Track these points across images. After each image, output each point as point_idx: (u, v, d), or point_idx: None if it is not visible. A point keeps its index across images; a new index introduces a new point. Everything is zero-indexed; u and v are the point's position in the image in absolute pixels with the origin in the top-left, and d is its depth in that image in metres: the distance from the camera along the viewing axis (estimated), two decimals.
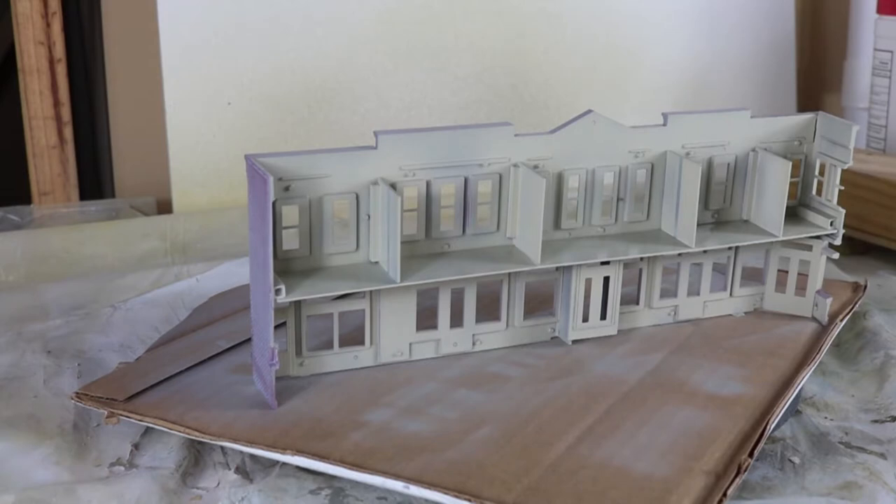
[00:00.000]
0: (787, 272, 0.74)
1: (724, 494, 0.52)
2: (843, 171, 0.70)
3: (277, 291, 0.58)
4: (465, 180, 0.65)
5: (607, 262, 0.68)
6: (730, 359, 0.68)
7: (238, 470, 0.57)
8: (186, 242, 0.97)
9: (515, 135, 0.65)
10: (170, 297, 0.82)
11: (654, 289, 0.72)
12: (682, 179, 0.69)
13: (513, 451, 0.56)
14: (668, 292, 0.73)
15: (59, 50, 1.07)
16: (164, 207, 1.09)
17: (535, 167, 0.66)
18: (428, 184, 0.64)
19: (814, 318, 0.74)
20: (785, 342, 0.71)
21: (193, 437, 0.57)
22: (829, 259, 0.74)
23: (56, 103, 1.08)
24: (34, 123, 1.07)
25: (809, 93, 1.37)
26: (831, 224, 0.71)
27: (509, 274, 0.67)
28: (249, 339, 0.66)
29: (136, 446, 0.60)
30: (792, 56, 1.33)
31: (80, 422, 0.62)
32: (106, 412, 0.59)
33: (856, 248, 0.95)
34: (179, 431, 0.57)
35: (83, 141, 1.11)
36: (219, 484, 0.56)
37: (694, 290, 0.73)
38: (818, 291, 0.73)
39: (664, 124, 0.70)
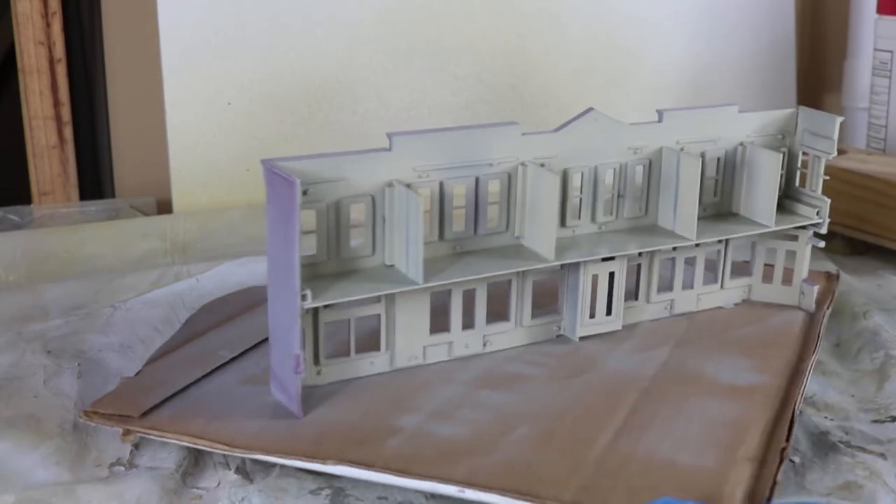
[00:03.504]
0: (771, 263, 0.76)
1: (775, 481, 0.53)
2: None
3: (304, 297, 0.57)
4: (477, 180, 0.65)
5: (612, 258, 0.69)
6: (733, 350, 0.69)
7: (238, 470, 0.57)
8: (186, 242, 0.97)
9: (523, 134, 0.65)
10: (170, 297, 0.82)
11: (653, 284, 0.73)
12: (681, 174, 0.70)
13: (555, 450, 0.56)
14: (664, 287, 0.74)
15: (59, 50, 1.07)
16: (164, 207, 1.09)
17: (541, 165, 0.66)
18: (441, 184, 0.64)
19: (800, 307, 0.76)
20: (781, 331, 0.73)
21: (220, 452, 0.56)
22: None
23: (56, 103, 1.08)
24: (34, 123, 1.07)
25: (809, 93, 1.37)
26: (817, 213, 0.74)
27: (517, 273, 0.67)
28: (252, 348, 0.66)
29: (136, 446, 0.59)
30: (792, 56, 1.33)
31: (80, 422, 0.62)
32: (121, 430, 0.57)
33: (856, 248, 0.95)
34: (205, 446, 0.56)
35: (83, 141, 1.11)
36: (219, 484, 0.56)
37: (688, 284, 0.75)
38: (804, 280, 0.76)
39: (659, 121, 0.71)
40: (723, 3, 1.28)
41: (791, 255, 0.76)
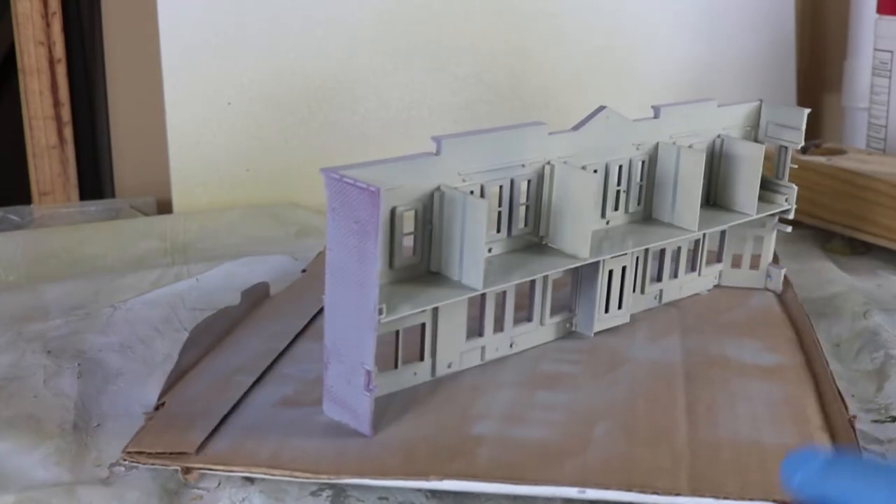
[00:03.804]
0: (738, 250, 0.82)
1: (859, 448, 0.56)
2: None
3: (380, 311, 0.55)
4: (511, 181, 0.65)
5: (624, 253, 0.70)
6: (736, 332, 0.72)
7: None
8: (186, 242, 0.97)
9: (549, 133, 0.66)
10: (170, 297, 0.82)
11: (647, 275, 0.75)
12: (683, 168, 0.72)
13: (644, 442, 0.56)
14: (652, 277, 0.77)
15: (59, 50, 1.07)
16: (164, 207, 1.09)
17: (565, 164, 0.66)
18: (482, 187, 0.63)
19: (767, 289, 0.81)
20: (765, 312, 0.77)
21: (304, 480, 0.54)
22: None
23: (56, 103, 1.08)
24: (34, 123, 1.07)
25: (809, 93, 1.37)
26: (786, 200, 0.79)
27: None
28: (268, 369, 0.65)
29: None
30: (792, 56, 1.33)
31: (80, 422, 0.62)
32: (180, 468, 0.55)
33: (856, 248, 0.95)
34: (284, 476, 0.54)
35: (83, 141, 1.11)
36: (219, 484, 0.56)
37: (672, 274, 0.77)
38: (771, 264, 0.81)
39: (656, 117, 0.73)
40: (723, 3, 1.28)
41: (758, 240, 0.81)
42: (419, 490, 0.54)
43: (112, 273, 0.88)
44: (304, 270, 0.85)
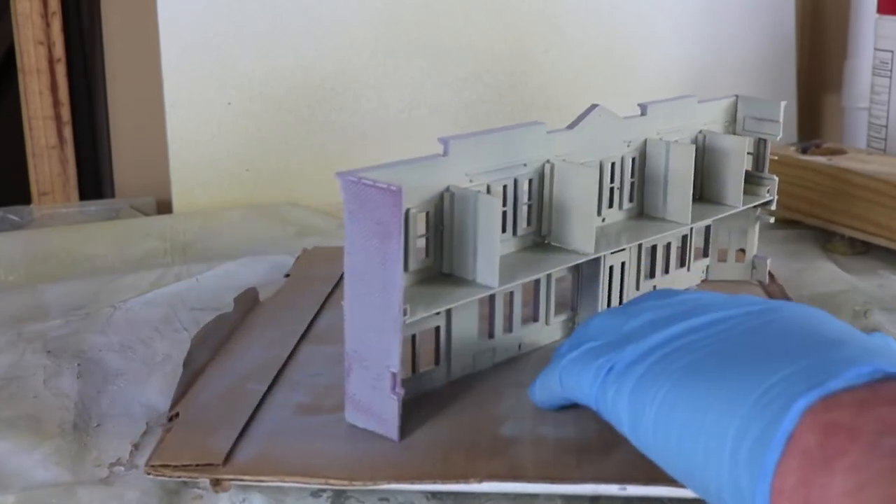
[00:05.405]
0: (723, 243, 0.83)
1: None
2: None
3: (405, 311, 0.54)
4: (515, 181, 0.65)
5: (622, 248, 0.71)
6: None
7: None
8: (186, 242, 0.97)
9: (547, 132, 0.66)
10: (170, 297, 0.82)
11: (642, 271, 0.75)
12: (673, 163, 0.73)
13: None
14: (645, 273, 0.77)
15: (59, 50, 1.07)
16: (164, 207, 1.09)
17: (564, 162, 0.66)
18: (488, 187, 0.63)
19: (751, 281, 0.83)
20: None
21: (340, 488, 0.53)
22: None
23: (56, 103, 1.08)
24: (34, 123, 1.07)
25: (809, 93, 1.37)
26: (768, 192, 0.80)
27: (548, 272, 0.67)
28: (277, 376, 0.64)
29: (136, 446, 0.59)
30: (792, 56, 1.33)
31: (80, 422, 0.62)
32: (209, 480, 0.54)
33: (856, 247, 0.95)
34: (319, 484, 0.53)
35: (83, 141, 1.11)
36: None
37: (663, 269, 0.78)
38: (756, 256, 0.83)
39: (643, 114, 0.73)
40: (723, 3, 1.28)
41: (742, 233, 0.82)
42: (419, 492, 0.54)
43: (112, 273, 0.88)
44: (287, 275, 0.84)
